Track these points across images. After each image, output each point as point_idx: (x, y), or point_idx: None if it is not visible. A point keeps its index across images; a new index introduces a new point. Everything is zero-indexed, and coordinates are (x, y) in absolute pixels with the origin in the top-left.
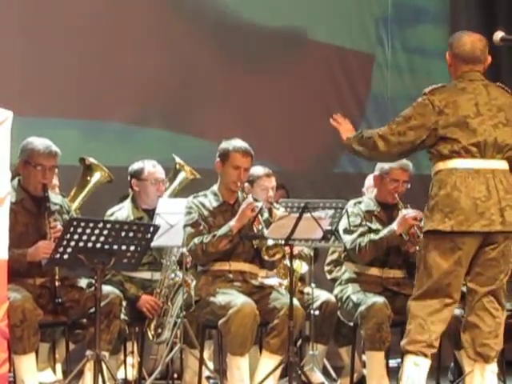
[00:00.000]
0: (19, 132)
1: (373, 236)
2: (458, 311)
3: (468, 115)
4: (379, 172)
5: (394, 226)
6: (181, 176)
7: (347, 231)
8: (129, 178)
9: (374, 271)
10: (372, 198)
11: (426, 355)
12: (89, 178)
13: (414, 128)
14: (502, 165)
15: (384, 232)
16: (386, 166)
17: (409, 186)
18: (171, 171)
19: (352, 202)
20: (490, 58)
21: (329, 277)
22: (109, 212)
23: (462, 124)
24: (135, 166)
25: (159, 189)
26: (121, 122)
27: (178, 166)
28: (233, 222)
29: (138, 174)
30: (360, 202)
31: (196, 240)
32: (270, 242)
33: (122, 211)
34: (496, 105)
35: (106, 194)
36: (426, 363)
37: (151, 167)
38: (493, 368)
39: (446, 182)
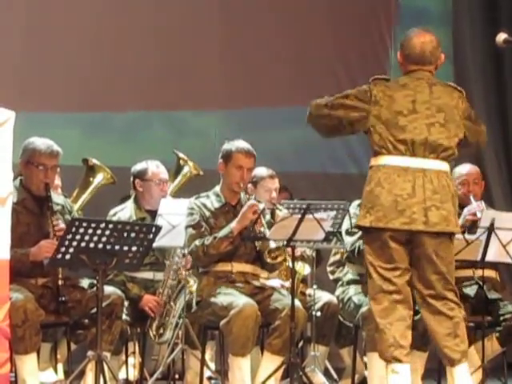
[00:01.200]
0: (21, 131)
1: None
2: None
3: (401, 111)
4: None
5: None
6: (185, 170)
7: (349, 232)
8: (132, 178)
9: None
10: None
11: (399, 360)
12: (91, 179)
13: (346, 106)
14: (437, 165)
15: None
16: None
17: None
18: (174, 167)
19: (356, 202)
20: (443, 57)
21: (331, 277)
22: (111, 212)
23: (392, 119)
24: (138, 166)
25: (163, 189)
26: (123, 121)
27: (181, 162)
28: (233, 224)
29: (141, 175)
30: None
31: (197, 242)
32: (273, 245)
33: (125, 211)
34: (436, 104)
35: (108, 194)
36: (403, 368)
37: (155, 168)
38: (462, 369)
39: (372, 178)
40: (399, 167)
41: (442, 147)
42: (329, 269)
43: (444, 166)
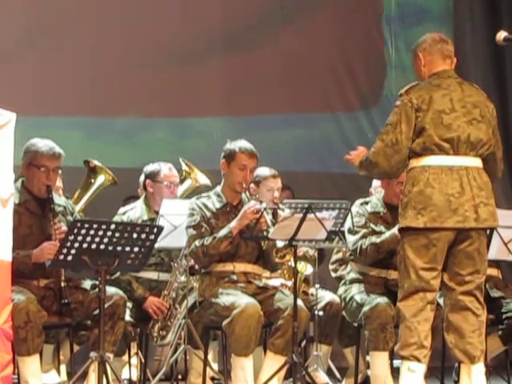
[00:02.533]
0: (22, 133)
1: (374, 239)
2: None
3: (443, 110)
4: None
5: (396, 229)
6: (186, 184)
7: (351, 231)
8: (143, 178)
9: (378, 272)
10: (380, 199)
11: (418, 359)
12: (93, 181)
13: (403, 132)
14: (476, 162)
15: (386, 235)
16: None
17: None
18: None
19: (359, 201)
20: (455, 60)
21: (333, 275)
22: (121, 210)
23: (437, 119)
24: (151, 167)
25: (173, 192)
26: (125, 123)
27: (184, 174)
28: (233, 224)
29: (153, 176)
30: (367, 203)
31: (197, 242)
32: (280, 244)
33: (135, 211)
34: (470, 101)
35: (110, 195)
36: (420, 368)
37: (167, 170)
38: (479, 368)
39: (419, 178)
40: (445, 166)
41: (481, 143)
42: (331, 267)
43: (480, 162)
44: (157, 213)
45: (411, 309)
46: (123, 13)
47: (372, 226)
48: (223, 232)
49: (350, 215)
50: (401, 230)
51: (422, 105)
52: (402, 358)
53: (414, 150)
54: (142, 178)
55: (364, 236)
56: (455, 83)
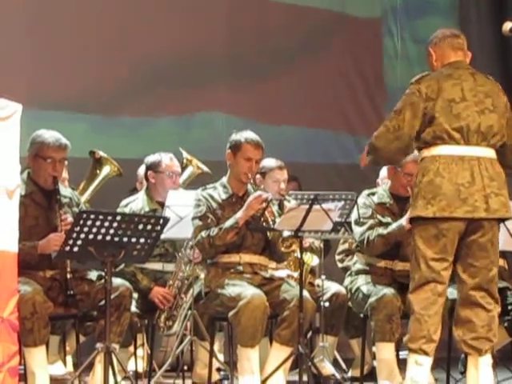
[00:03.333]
0: (28, 125)
1: (381, 230)
2: None
3: (453, 99)
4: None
5: (403, 221)
6: (188, 171)
7: (357, 223)
8: (144, 169)
9: (385, 263)
10: (386, 190)
11: (426, 353)
12: (98, 172)
13: (406, 120)
14: (488, 153)
15: (393, 227)
16: None
17: None
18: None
19: (366, 192)
20: (470, 54)
21: (340, 265)
22: (123, 202)
23: (447, 108)
24: (152, 158)
25: (175, 182)
26: (130, 115)
27: (185, 161)
28: (239, 214)
29: (155, 166)
30: (374, 194)
31: (203, 233)
32: (286, 234)
33: (137, 202)
34: (482, 91)
35: (115, 186)
36: (427, 361)
37: (168, 160)
38: (487, 360)
39: (429, 168)
40: (456, 156)
41: (492, 133)
42: (337, 257)
43: (493, 153)
44: (159, 203)
45: (422, 302)
46: (126, 10)
47: (379, 217)
48: (229, 223)
49: (356, 206)
50: (411, 220)
51: (432, 94)
52: (410, 350)
53: (424, 140)
54: (140, 169)
55: (371, 227)
56: (467, 73)
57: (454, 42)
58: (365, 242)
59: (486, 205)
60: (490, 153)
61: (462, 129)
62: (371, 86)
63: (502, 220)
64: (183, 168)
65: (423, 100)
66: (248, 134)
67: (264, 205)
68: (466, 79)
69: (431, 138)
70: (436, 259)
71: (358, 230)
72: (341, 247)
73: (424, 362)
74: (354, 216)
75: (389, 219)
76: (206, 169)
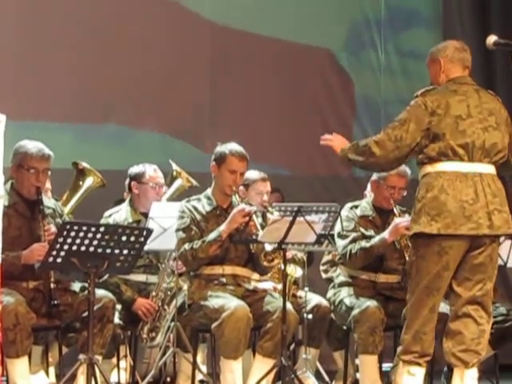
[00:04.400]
0: (12, 135)
1: (364, 243)
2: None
3: (459, 115)
4: (376, 177)
5: (386, 234)
6: (177, 183)
7: (340, 236)
8: (128, 180)
9: (368, 276)
10: (369, 203)
11: (419, 364)
12: (81, 183)
13: (410, 131)
14: (490, 169)
15: (375, 240)
16: None
17: (405, 193)
18: (168, 178)
19: (349, 205)
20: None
21: (324, 276)
22: (107, 213)
23: (453, 124)
24: (136, 169)
25: (159, 193)
26: (114, 125)
27: (175, 173)
28: (222, 227)
29: (138, 177)
30: (356, 207)
31: (186, 246)
32: (268, 248)
33: (120, 213)
34: (487, 108)
35: (99, 197)
36: (420, 372)
37: (152, 171)
38: (473, 374)
39: (434, 184)
40: (460, 173)
41: (496, 150)
42: (322, 268)
43: (494, 170)
44: (142, 214)
45: (419, 318)
46: (112, 20)
47: (362, 230)
48: (213, 235)
49: (339, 219)
50: (413, 235)
51: (438, 109)
52: (403, 361)
53: (428, 155)
54: (127, 181)
55: (353, 240)
56: (472, 90)
57: (465, 58)
58: (347, 255)
59: (489, 221)
60: (492, 169)
61: (468, 145)
62: (353, 98)
63: (500, 238)
64: (172, 180)
65: (428, 114)
66: (232, 146)
67: (247, 218)
68: (471, 96)
69: (436, 153)
70: (437, 276)
71: (340, 242)
72: (325, 258)
73: (416, 372)
74: (337, 229)
75: (372, 232)
76: (195, 182)
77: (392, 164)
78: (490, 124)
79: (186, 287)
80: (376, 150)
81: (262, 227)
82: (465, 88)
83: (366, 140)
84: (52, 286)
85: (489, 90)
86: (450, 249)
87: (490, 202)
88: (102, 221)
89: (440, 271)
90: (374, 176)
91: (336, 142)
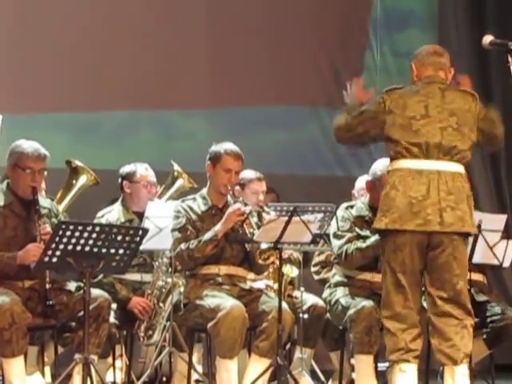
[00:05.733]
0: (8, 134)
1: (360, 244)
2: None
3: (413, 116)
4: (372, 178)
5: None
6: (178, 184)
7: (336, 236)
8: (120, 180)
9: (364, 276)
10: (365, 203)
11: (408, 361)
12: (75, 181)
13: (363, 122)
14: (451, 167)
15: (371, 240)
16: (379, 171)
17: None
18: (169, 178)
19: (344, 205)
20: (453, 71)
21: (316, 278)
22: (99, 214)
23: (406, 125)
24: (127, 168)
25: (151, 191)
26: (111, 125)
27: (176, 174)
28: (218, 227)
29: (130, 177)
30: (352, 207)
31: (182, 246)
32: (264, 246)
33: (113, 213)
34: (448, 108)
35: (94, 196)
36: (411, 368)
37: (143, 170)
38: (463, 370)
39: (388, 182)
40: (414, 170)
41: (455, 150)
42: (313, 269)
43: (458, 167)
44: (135, 213)
45: (394, 317)
46: (108, 23)
47: (357, 230)
48: (208, 235)
49: (335, 219)
50: (378, 234)
51: (394, 109)
52: (392, 361)
53: (389, 154)
54: (119, 180)
55: (349, 240)
56: (437, 90)
57: (436, 61)
58: (343, 255)
59: (440, 218)
60: (453, 167)
61: (421, 144)
62: None
63: (466, 234)
64: (173, 180)
65: (385, 113)
66: (228, 146)
67: (243, 217)
68: (433, 96)
69: (394, 152)
70: (399, 274)
71: (336, 243)
72: (316, 259)
73: (407, 369)
74: (332, 229)
75: (367, 232)
76: (195, 184)
77: (351, 143)
78: (450, 124)
79: (180, 284)
80: (335, 132)
81: (258, 227)
82: (429, 88)
83: (338, 116)
84: (47, 286)
85: (464, 89)
86: (404, 246)
87: (442, 198)
88: (96, 221)
89: (400, 268)
90: (369, 177)
91: (356, 88)
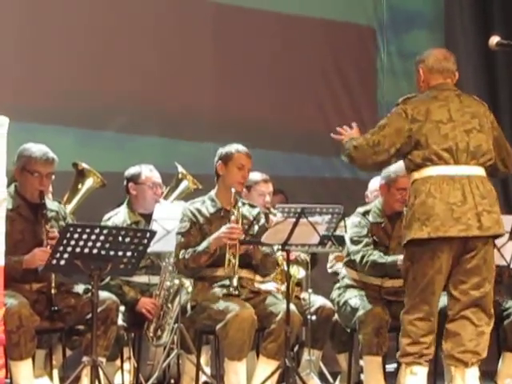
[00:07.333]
0: (15, 138)
1: (378, 257)
2: None
3: (440, 120)
4: (385, 181)
5: (399, 259)
6: (183, 185)
7: (353, 241)
8: (125, 182)
9: (374, 280)
10: (379, 208)
11: (421, 364)
12: (81, 184)
13: (387, 136)
14: (478, 171)
15: (388, 259)
16: (392, 174)
17: None
18: (174, 180)
19: (360, 210)
20: (457, 74)
21: (330, 270)
22: (105, 217)
23: (434, 129)
24: (132, 170)
25: (156, 192)
26: (116, 127)
27: (180, 176)
28: (212, 238)
29: (135, 178)
30: (368, 212)
31: (180, 255)
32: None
33: (119, 216)
34: (469, 111)
35: (101, 199)
36: (422, 370)
37: (148, 171)
38: (474, 373)
39: (421, 190)
40: (446, 176)
41: (481, 152)
42: (329, 264)
43: (483, 171)
44: (141, 215)
45: (416, 323)
46: (113, 24)
47: (374, 237)
48: (202, 246)
49: (348, 223)
50: (407, 243)
51: (418, 116)
52: (404, 363)
53: (415, 163)
54: (124, 183)
55: (366, 244)
56: (453, 95)
57: (444, 68)
58: (358, 260)
59: (478, 223)
60: (480, 171)
61: (451, 148)
62: (358, 100)
63: (495, 237)
64: (177, 182)
65: (409, 122)
66: (237, 146)
67: (234, 242)
68: (452, 100)
69: (421, 160)
70: (431, 281)
71: (354, 248)
72: (335, 253)
73: (418, 371)
74: (349, 234)
75: (386, 241)
76: (200, 186)
77: (370, 168)
78: (474, 126)
79: (188, 284)
80: (355, 156)
81: (265, 229)
82: (446, 93)
83: (349, 142)
84: (53, 291)
85: (473, 96)
86: (442, 253)
87: (478, 203)
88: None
89: (434, 275)
90: (382, 180)
91: (347, 134)
